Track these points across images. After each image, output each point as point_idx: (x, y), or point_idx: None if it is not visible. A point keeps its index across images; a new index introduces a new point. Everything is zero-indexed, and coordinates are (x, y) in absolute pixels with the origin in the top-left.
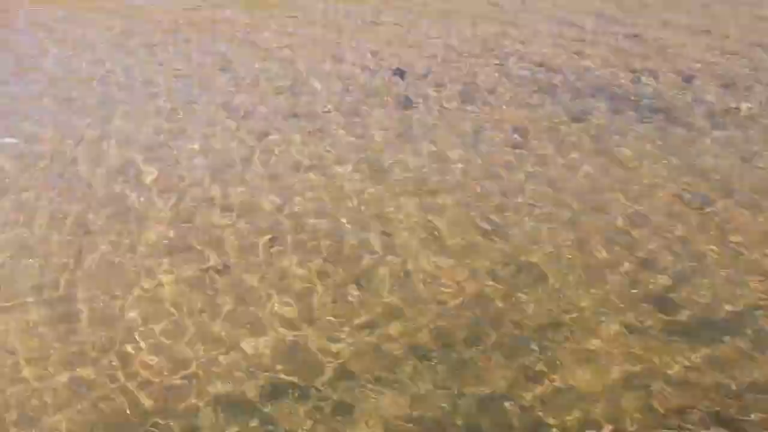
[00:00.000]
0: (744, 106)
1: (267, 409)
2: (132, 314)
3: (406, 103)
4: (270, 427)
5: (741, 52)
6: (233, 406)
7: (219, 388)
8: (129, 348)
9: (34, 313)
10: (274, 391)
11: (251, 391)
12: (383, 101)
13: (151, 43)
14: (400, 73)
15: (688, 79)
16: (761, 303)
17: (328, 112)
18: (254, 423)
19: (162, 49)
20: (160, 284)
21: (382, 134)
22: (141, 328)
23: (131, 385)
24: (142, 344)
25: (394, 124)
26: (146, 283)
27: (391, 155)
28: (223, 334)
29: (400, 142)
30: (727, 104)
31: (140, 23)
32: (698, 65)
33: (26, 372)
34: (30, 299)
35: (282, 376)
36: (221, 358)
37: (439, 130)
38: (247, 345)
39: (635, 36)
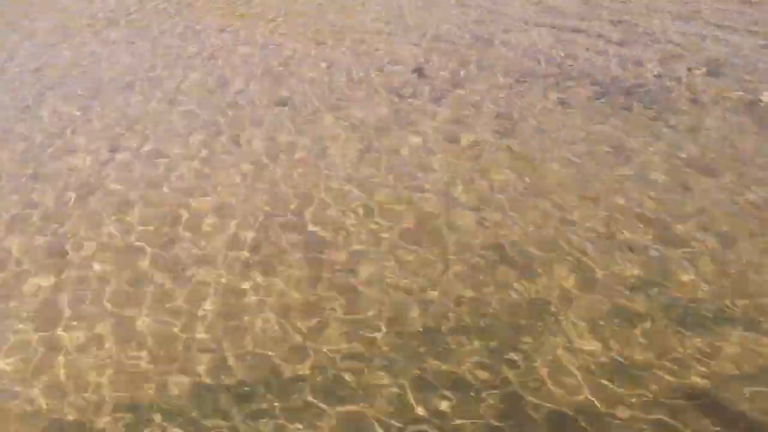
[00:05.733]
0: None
1: None
2: None
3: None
4: None
5: (727, 38)
6: None
7: None
8: None
9: None
10: None
11: None
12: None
13: None
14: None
15: (675, 65)
16: None
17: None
18: None
19: None
20: None
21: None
22: None
23: None
24: None
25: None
26: None
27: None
28: None
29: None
30: (714, 91)
31: None
32: (685, 51)
33: None
34: None
35: None
36: None
37: (428, 118)
38: None
39: (621, 22)
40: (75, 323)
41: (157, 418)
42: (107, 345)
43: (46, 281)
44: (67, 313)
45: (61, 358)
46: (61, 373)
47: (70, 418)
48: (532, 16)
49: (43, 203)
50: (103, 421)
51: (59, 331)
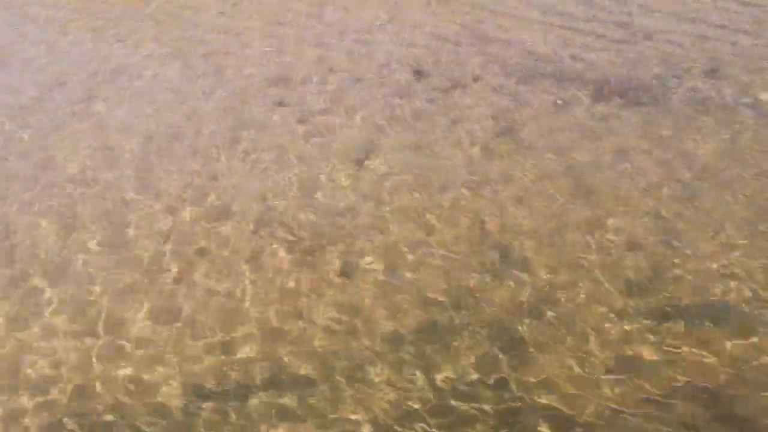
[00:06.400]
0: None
1: None
2: None
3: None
4: None
5: (726, 39)
6: None
7: None
8: None
9: None
10: None
11: None
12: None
13: None
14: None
15: (676, 66)
16: None
17: None
18: None
19: None
20: None
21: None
22: None
23: None
24: None
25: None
26: None
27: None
28: None
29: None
30: (714, 90)
31: None
32: (684, 52)
33: None
34: None
35: None
36: None
37: (427, 118)
38: None
39: (622, 23)
40: None
41: None
42: None
43: None
44: None
45: None
46: None
47: None
48: (533, 15)
49: None
50: None
51: None
